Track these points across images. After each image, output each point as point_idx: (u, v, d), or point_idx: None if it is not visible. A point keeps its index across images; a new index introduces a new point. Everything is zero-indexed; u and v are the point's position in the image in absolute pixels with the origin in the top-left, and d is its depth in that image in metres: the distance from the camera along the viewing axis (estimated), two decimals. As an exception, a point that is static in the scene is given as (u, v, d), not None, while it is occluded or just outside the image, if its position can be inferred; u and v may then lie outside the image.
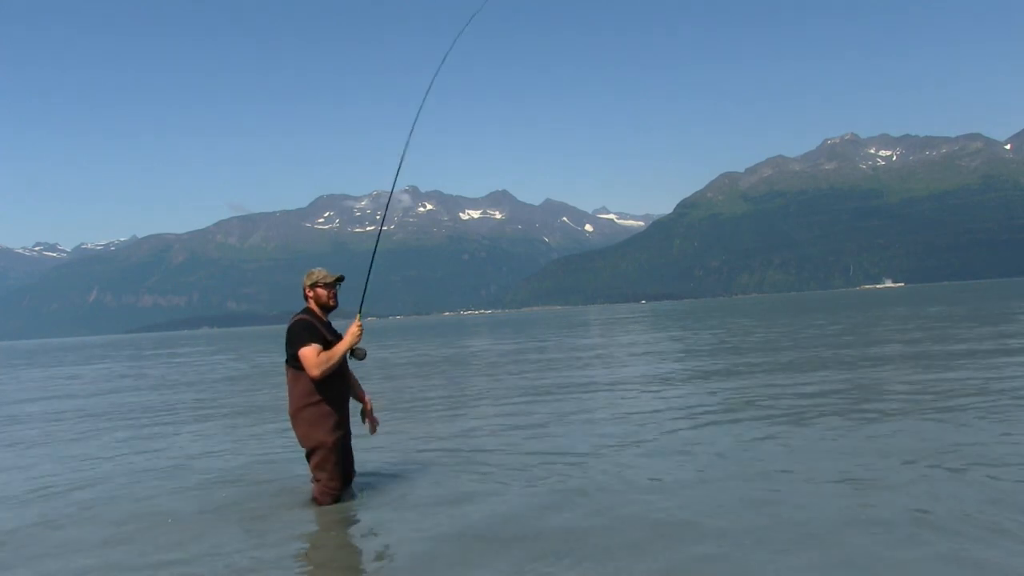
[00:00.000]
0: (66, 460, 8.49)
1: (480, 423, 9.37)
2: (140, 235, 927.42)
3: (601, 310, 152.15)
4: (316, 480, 5.63)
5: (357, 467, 6.07)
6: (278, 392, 15.32)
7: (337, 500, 5.62)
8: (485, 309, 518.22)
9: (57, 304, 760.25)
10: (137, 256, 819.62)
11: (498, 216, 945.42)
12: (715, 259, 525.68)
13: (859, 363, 13.72)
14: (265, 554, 4.67)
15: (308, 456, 5.61)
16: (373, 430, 6.02)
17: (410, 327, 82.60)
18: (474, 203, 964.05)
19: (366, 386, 6.03)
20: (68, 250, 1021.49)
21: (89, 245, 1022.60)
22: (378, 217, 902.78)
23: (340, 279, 5.75)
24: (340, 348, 5.48)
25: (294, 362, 5.51)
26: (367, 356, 5.69)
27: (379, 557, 4.60)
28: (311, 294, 5.68)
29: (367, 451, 7.46)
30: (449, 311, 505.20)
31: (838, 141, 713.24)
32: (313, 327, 5.50)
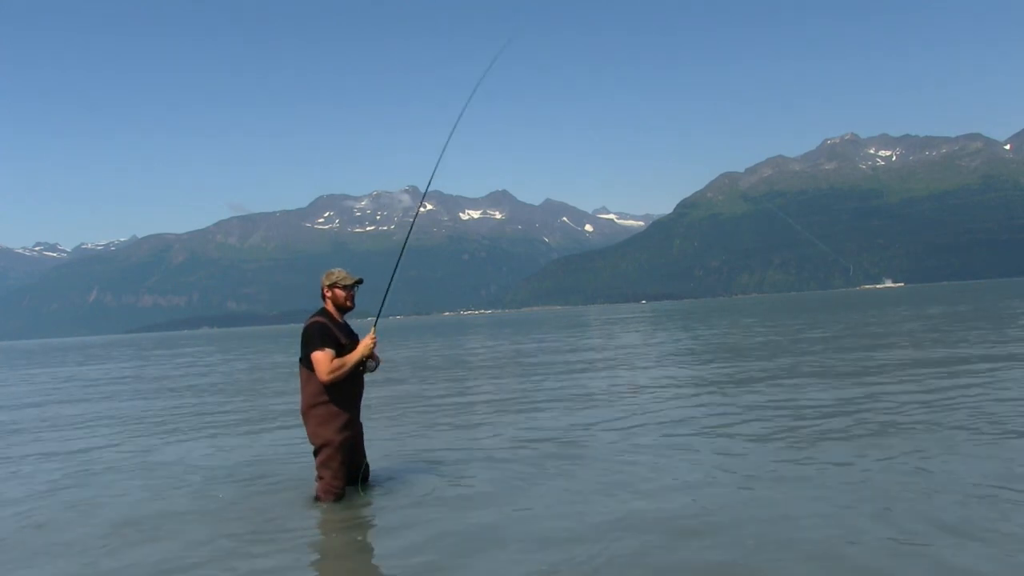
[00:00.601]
0: (69, 461, 8.52)
1: (490, 424, 9.36)
2: (140, 235, 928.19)
3: (602, 310, 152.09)
4: (320, 478, 5.67)
5: (376, 458, 6.16)
6: (281, 392, 15.34)
7: (339, 498, 5.66)
8: (485, 309, 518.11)
9: (57, 304, 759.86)
10: (137, 256, 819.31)
11: (498, 216, 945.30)
12: (715, 259, 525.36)
13: (872, 371, 13.72)
14: (269, 551, 4.68)
15: (315, 454, 5.68)
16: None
17: (410, 327, 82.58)
18: (474, 203, 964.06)
19: (372, 386, 6.09)
20: (68, 250, 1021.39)
21: (89, 245, 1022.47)
22: (378, 217, 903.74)
23: (359, 282, 5.82)
24: (352, 358, 5.53)
25: (308, 363, 5.57)
26: (376, 369, 5.83)
27: (384, 556, 4.59)
28: (329, 294, 5.73)
29: (374, 450, 7.54)
30: (449, 311, 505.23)
31: (838, 141, 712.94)
32: (328, 330, 5.54)
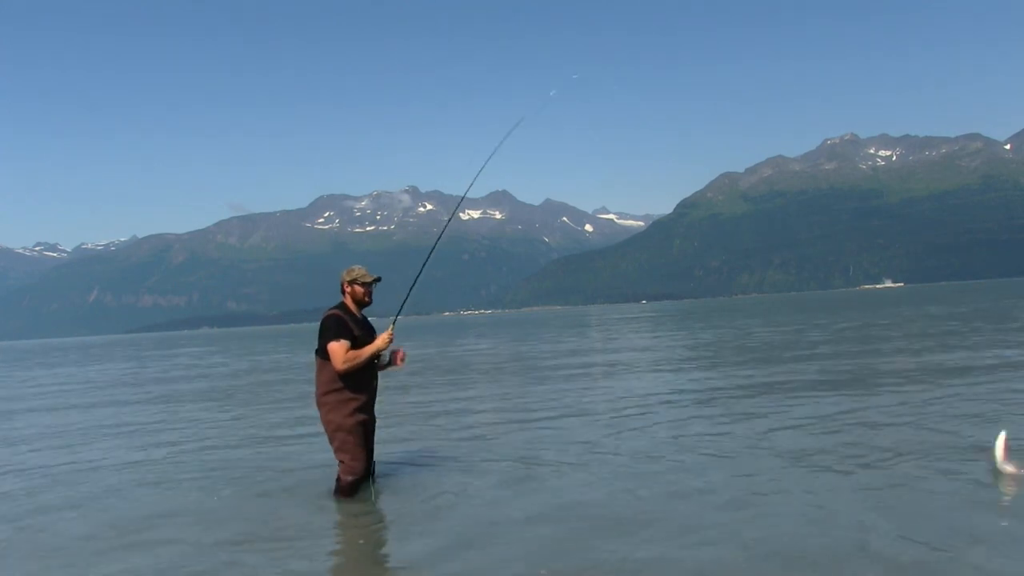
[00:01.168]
0: (73, 460, 8.53)
1: (491, 424, 9.42)
2: (140, 235, 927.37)
3: (602, 310, 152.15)
4: (340, 462, 5.86)
5: (382, 459, 6.22)
6: (281, 392, 15.36)
7: (358, 479, 5.85)
8: (485, 309, 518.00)
9: (57, 304, 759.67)
10: (137, 256, 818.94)
11: (498, 216, 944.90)
12: (715, 259, 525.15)
13: (885, 377, 13.73)
14: (283, 547, 4.71)
15: (331, 440, 5.87)
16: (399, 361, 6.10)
17: (410, 327, 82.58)
18: (474, 203, 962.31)
19: (387, 385, 6.07)
20: (68, 250, 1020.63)
21: (89, 245, 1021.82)
22: (378, 217, 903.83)
23: (377, 279, 6.07)
24: (367, 351, 5.76)
25: (323, 353, 5.80)
26: (389, 366, 6.05)
27: (393, 558, 4.64)
28: (348, 289, 5.95)
29: (376, 450, 7.51)
30: (449, 311, 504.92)
31: (838, 141, 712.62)
32: (344, 323, 5.78)
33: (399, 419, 9.81)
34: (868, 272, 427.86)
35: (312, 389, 5.91)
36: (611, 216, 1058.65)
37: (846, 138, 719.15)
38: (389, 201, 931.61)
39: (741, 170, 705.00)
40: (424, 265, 6.38)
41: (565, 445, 7.50)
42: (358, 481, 5.85)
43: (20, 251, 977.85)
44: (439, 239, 7.18)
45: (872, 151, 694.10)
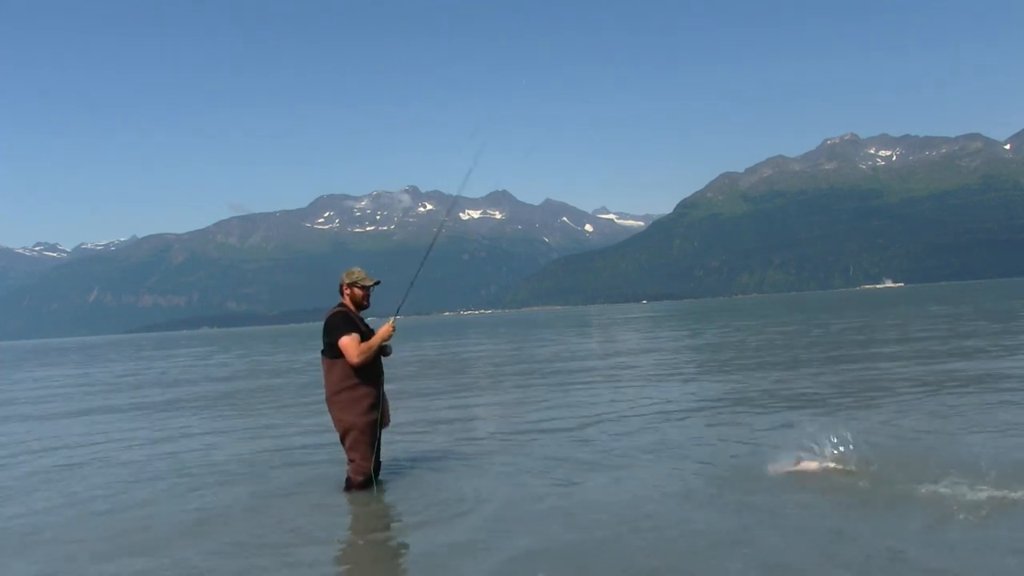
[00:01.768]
0: (66, 457, 8.55)
1: (493, 425, 9.47)
2: (140, 235, 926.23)
3: (602, 310, 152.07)
4: (351, 461, 5.95)
5: (389, 457, 6.30)
6: (282, 394, 15.35)
7: (369, 478, 5.93)
8: (485, 309, 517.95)
9: (57, 304, 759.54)
10: (137, 256, 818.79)
11: (498, 216, 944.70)
12: (715, 259, 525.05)
13: (896, 385, 13.67)
14: (293, 547, 4.74)
15: (342, 439, 5.96)
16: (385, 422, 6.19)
17: (411, 327, 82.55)
18: (474, 203, 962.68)
19: (394, 382, 6.23)
20: (68, 250, 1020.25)
21: (89, 245, 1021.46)
22: (378, 217, 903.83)
23: (376, 283, 6.21)
24: (375, 341, 5.96)
25: (331, 351, 5.92)
26: (392, 353, 6.24)
27: (409, 550, 4.69)
28: (348, 291, 6.11)
29: (400, 442, 7.30)
30: (449, 311, 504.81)
31: (838, 141, 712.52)
32: (351, 318, 5.97)
33: (403, 419, 9.66)
34: (868, 272, 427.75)
35: (318, 390, 5.94)
36: (611, 216, 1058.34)
37: (846, 138, 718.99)
38: (389, 201, 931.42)
39: (741, 170, 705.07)
40: (423, 263, 6.34)
41: (575, 446, 7.44)
42: (368, 480, 5.92)
43: (20, 251, 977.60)
44: (435, 238, 7.18)
45: (872, 151, 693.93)
